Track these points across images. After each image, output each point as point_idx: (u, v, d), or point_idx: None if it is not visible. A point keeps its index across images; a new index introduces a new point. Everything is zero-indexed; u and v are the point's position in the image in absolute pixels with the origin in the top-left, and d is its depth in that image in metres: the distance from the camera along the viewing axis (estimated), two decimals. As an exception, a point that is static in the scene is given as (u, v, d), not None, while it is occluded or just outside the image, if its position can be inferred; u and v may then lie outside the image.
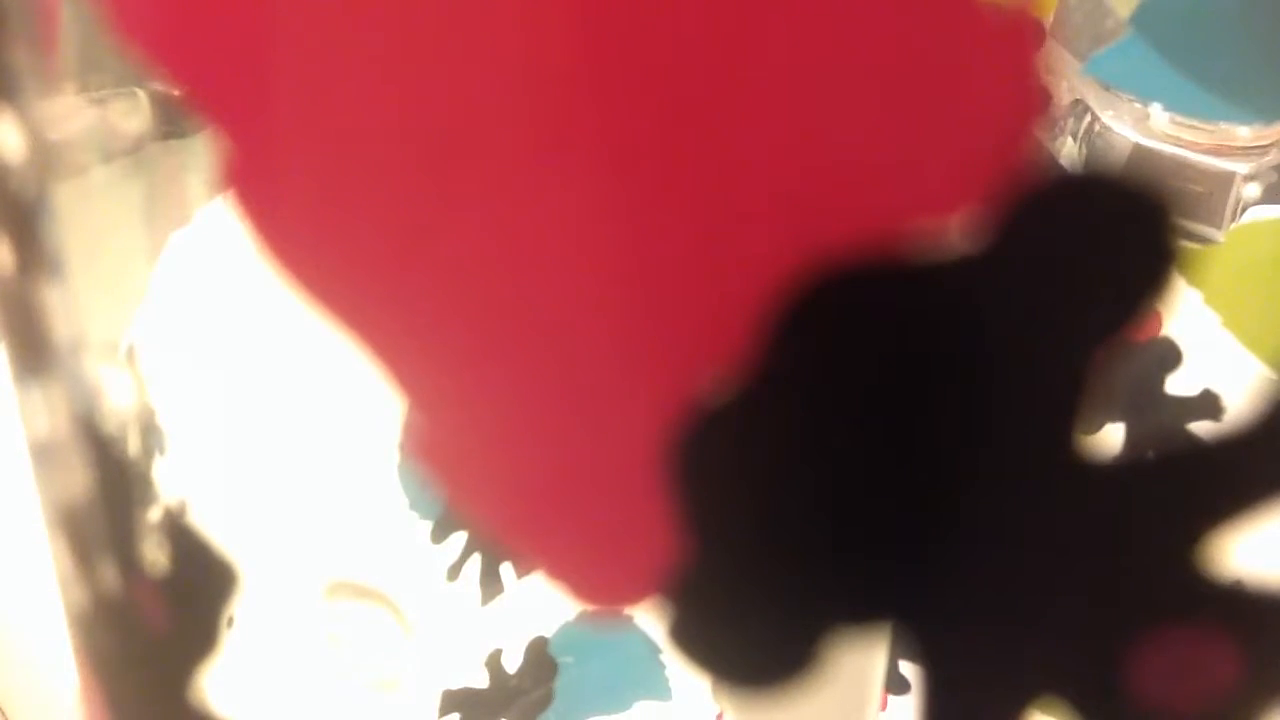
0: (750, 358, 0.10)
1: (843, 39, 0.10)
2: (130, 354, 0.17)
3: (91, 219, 0.15)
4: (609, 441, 0.11)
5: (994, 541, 0.11)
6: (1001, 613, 0.11)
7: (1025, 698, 0.11)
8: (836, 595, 0.11)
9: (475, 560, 0.31)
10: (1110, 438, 0.11)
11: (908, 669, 0.11)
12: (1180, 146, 0.30)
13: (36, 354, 0.15)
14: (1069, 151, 0.31)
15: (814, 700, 0.11)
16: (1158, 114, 0.30)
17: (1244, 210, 0.30)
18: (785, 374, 0.10)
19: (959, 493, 0.11)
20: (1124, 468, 0.11)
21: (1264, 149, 0.30)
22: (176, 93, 0.11)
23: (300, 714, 0.32)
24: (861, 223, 0.10)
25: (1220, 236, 0.29)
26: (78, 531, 0.15)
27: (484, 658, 0.32)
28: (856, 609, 0.11)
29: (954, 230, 0.10)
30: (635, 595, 0.11)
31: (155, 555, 0.15)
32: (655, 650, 0.32)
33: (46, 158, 0.14)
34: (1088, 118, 0.31)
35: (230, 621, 0.15)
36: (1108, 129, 0.30)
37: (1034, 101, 0.10)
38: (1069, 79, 0.29)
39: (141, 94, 0.23)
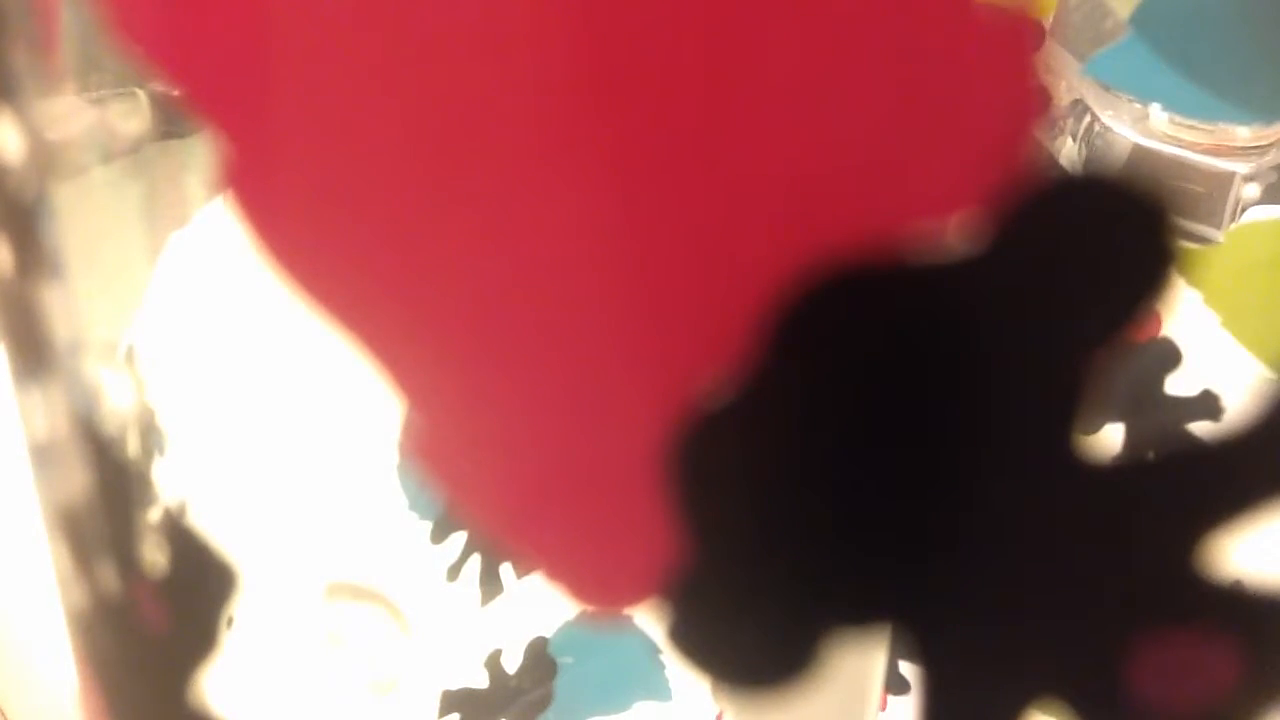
0: (750, 359, 0.10)
1: (842, 41, 0.10)
2: (130, 355, 0.17)
3: (91, 219, 0.15)
4: (609, 442, 0.11)
5: (994, 542, 0.11)
6: (1001, 613, 0.11)
7: (1025, 698, 0.11)
8: (836, 596, 0.11)
9: (475, 561, 0.31)
10: (1110, 438, 0.11)
11: (908, 669, 0.11)
12: (1180, 147, 0.30)
13: (36, 355, 0.15)
14: (1069, 151, 0.31)
15: (814, 700, 0.11)
16: (1157, 114, 0.30)
17: (1243, 210, 0.30)
18: (785, 375, 0.10)
19: (959, 493, 0.11)
20: (1124, 468, 0.11)
21: (1263, 149, 0.30)
22: (176, 93, 0.11)
23: (300, 714, 0.32)
24: (862, 225, 0.10)
25: (1220, 236, 0.29)
26: (77, 532, 0.15)
27: (484, 658, 0.32)
28: (856, 610, 0.11)
29: (954, 231, 0.10)
30: (635, 596, 0.11)
31: (155, 556, 0.15)
32: (655, 650, 0.32)
33: (46, 158, 0.14)
34: (1087, 118, 0.31)
35: (230, 622, 0.15)
36: (1107, 129, 0.30)
37: (1033, 102, 0.10)
38: (1069, 79, 0.29)
39: (141, 94, 0.23)
